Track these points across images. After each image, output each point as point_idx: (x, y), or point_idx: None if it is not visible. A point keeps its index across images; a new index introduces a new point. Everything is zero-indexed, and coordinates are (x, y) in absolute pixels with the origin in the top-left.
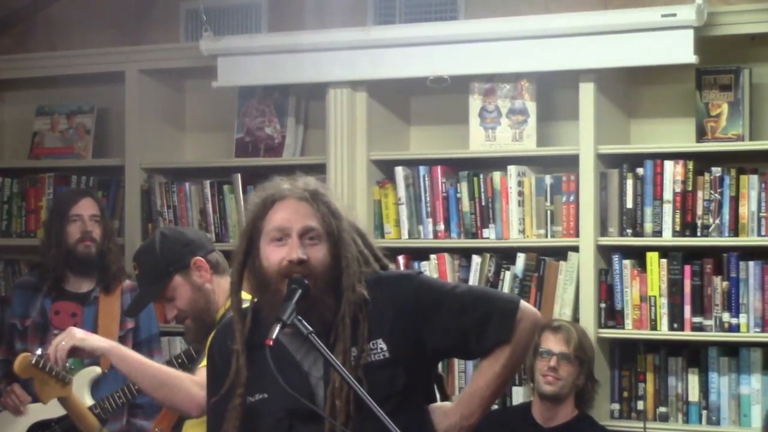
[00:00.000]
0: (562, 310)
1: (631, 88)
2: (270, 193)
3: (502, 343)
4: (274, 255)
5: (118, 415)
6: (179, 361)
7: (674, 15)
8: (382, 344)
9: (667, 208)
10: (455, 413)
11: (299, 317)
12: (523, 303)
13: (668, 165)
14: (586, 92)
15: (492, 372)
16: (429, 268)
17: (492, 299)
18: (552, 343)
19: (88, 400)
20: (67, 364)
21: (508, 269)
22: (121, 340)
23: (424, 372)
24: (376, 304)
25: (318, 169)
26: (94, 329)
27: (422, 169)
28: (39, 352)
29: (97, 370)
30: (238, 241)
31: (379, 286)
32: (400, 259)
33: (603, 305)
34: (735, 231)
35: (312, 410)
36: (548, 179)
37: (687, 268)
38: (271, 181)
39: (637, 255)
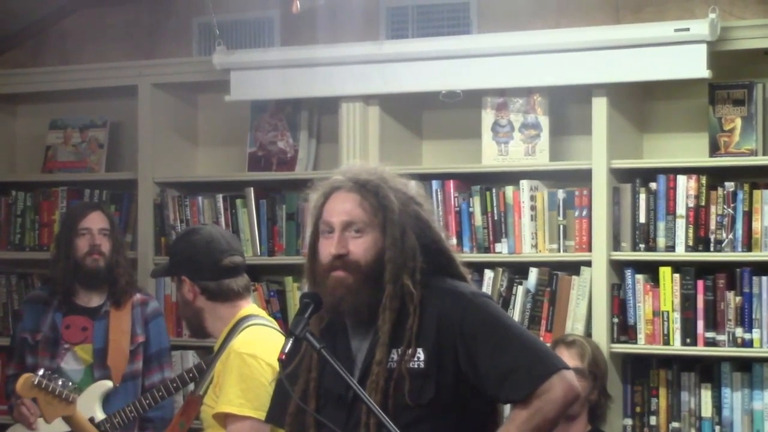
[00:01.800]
0: (574, 325)
1: (643, 103)
2: (327, 183)
3: (517, 403)
4: (323, 247)
5: (129, 429)
6: (190, 375)
7: (687, 29)
8: (420, 353)
9: (680, 223)
10: None
11: (311, 332)
12: (562, 374)
13: (681, 180)
14: (599, 107)
15: None
16: None
17: (530, 354)
18: (566, 358)
19: (100, 414)
20: (70, 383)
21: (521, 284)
22: (132, 354)
23: (461, 394)
24: (427, 311)
25: None
26: (105, 343)
27: (435, 184)
28: (41, 372)
29: (108, 384)
30: (309, 231)
31: (435, 293)
32: None
33: (615, 320)
34: (748, 246)
35: (341, 396)
36: (561, 194)
37: (700, 283)
38: (340, 168)
39: (650, 270)
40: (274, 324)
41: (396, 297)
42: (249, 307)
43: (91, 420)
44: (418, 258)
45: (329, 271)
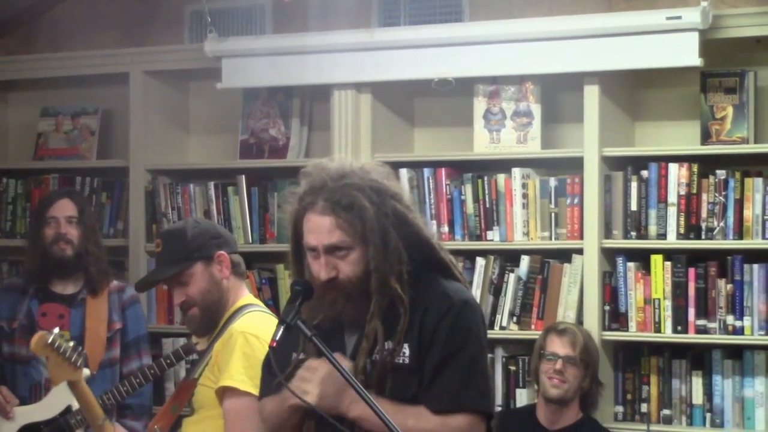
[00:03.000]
0: (566, 313)
1: (635, 91)
2: (299, 200)
3: (430, 411)
4: (312, 266)
5: (108, 416)
6: (168, 361)
7: (679, 18)
8: (406, 349)
9: (672, 211)
10: (349, 395)
11: (302, 319)
12: (479, 419)
13: (673, 168)
14: (591, 95)
15: (402, 413)
16: None
17: (472, 381)
18: (557, 346)
19: (77, 402)
20: (80, 348)
21: (512, 271)
22: (109, 341)
23: None
24: (415, 307)
25: None
26: (82, 331)
27: (426, 171)
28: (56, 330)
29: (85, 371)
30: (288, 236)
31: (425, 293)
32: None
33: (607, 308)
34: (739, 234)
35: None
36: (552, 181)
37: (691, 271)
38: (308, 172)
39: (642, 257)
40: (272, 313)
41: (383, 304)
42: (247, 296)
43: (69, 408)
44: (404, 258)
45: (323, 291)
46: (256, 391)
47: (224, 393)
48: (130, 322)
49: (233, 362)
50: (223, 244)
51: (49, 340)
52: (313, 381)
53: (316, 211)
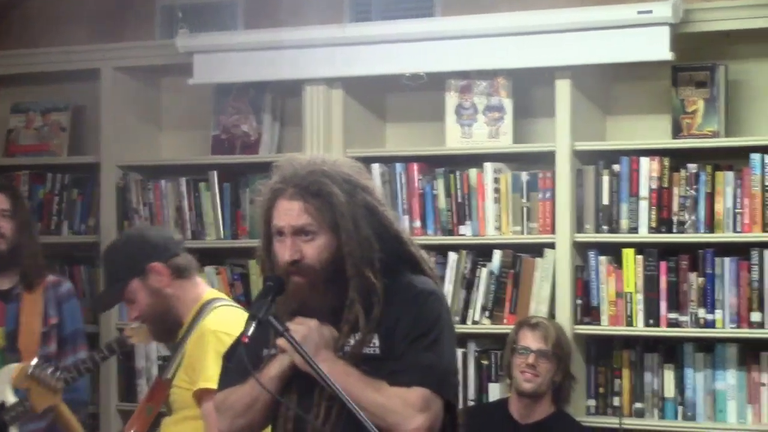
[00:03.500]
0: (538, 307)
1: (607, 85)
2: (269, 188)
3: (396, 385)
4: (278, 251)
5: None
6: (101, 355)
7: (650, 12)
8: (376, 340)
9: (643, 205)
10: (323, 354)
11: (274, 315)
12: (438, 402)
13: (644, 161)
14: (563, 89)
15: (364, 384)
16: None
17: (435, 363)
18: (530, 340)
19: (11, 398)
20: (58, 372)
21: (485, 266)
22: (45, 336)
23: None
24: (386, 299)
25: None
26: (17, 326)
27: (398, 166)
28: (35, 362)
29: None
30: (260, 227)
31: (390, 285)
32: None
33: (579, 302)
34: (710, 227)
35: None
36: (524, 176)
37: (663, 265)
38: (280, 164)
39: (613, 251)
40: (240, 306)
41: (362, 289)
42: (211, 291)
43: (2, 404)
44: (375, 246)
45: (287, 276)
46: None
47: (201, 395)
48: (67, 316)
49: (208, 363)
50: (155, 254)
51: (29, 372)
52: (298, 332)
53: (286, 196)
